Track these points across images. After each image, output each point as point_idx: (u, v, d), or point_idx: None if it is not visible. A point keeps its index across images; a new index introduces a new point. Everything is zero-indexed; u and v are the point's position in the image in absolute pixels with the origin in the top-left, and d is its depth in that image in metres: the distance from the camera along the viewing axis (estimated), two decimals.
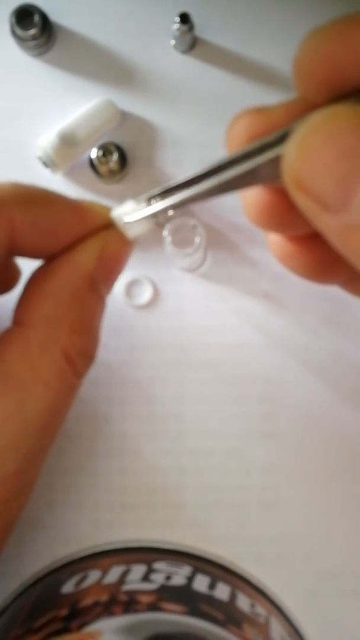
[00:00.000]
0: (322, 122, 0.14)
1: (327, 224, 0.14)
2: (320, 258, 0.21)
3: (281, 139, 0.16)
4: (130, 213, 0.20)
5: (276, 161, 0.16)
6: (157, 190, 0.20)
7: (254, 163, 0.16)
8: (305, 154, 0.14)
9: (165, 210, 0.20)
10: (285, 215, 0.20)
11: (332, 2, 0.27)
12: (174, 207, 0.20)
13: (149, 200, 0.20)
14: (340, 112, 0.14)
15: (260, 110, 0.18)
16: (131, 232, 0.21)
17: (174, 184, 0.20)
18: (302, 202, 0.15)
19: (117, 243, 0.21)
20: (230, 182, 0.17)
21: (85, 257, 0.20)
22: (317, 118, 0.14)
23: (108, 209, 0.21)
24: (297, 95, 0.17)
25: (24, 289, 0.21)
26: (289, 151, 0.14)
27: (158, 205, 0.20)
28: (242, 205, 0.21)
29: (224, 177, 0.18)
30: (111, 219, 0.21)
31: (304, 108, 0.17)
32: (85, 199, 0.27)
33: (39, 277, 0.21)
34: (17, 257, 0.21)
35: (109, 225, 0.21)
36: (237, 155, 0.18)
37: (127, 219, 0.21)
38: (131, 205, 0.20)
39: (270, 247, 0.23)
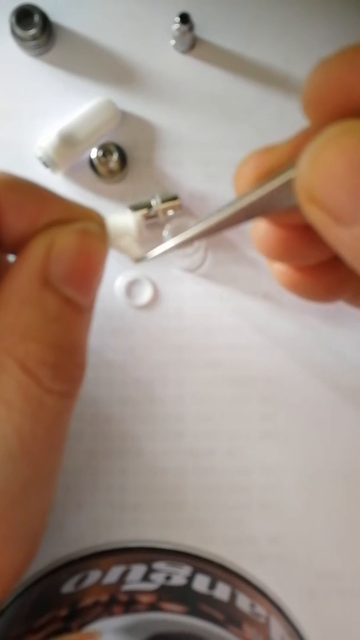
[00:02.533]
0: (335, 136, 0.14)
1: (339, 237, 0.14)
2: (327, 283, 0.21)
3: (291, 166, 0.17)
4: (126, 223, 0.20)
5: (288, 185, 0.16)
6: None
7: (266, 189, 0.16)
8: (318, 167, 0.14)
9: (177, 246, 0.19)
10: (295, 247, 0.20)
11: (332, 2, 0.27)
12: (187, 242, 0.19)
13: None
14: (353, 126, 0.14)
15: (267, 150, 0.18)
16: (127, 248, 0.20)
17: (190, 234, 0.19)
18: (315, 215, 0.15)
19: (74, 236, 0.18)
20: (243, 211, 0.17)
21: (31, 252, 0.18)
22: (330, 132, 0.14)
23: (97, 213, 0.20)
24: (306, 124, 0.17)
25: None
26: (302, 165, 0.14)
27: (169, 243, 0.19)
28: (251, 237, 0.21)
29: (237, 206, 0.17)
30: (94, 216, 0.19)
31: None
32: (85, 199, 0.27)
33: None
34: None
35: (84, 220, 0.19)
36: (247, 194, 0.18)
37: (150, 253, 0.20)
38: (127, 216, 0.20)
39: (275, 276, 0.23)
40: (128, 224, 0.20)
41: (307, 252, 0.20)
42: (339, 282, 0.21)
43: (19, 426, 0.18)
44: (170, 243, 0.19)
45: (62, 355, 0.18)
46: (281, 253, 0.20)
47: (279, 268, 0.22)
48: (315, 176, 0.14)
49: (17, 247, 0.18)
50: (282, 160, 0.18)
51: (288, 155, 0.18)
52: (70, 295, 0.18)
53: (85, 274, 0.19)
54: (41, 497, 0.20)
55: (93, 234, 0.19)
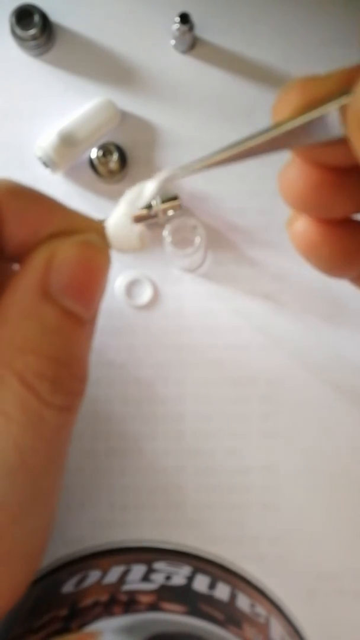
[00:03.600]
0: None
1: None
2: (344, 248, 0.20)
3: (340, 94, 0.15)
4: (122, 215, 0.19)
5: (336, 114, 0.15)
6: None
7: (313, 115, 0.15)
8: None
9: (203, 167, 0.18)
10: (325, 193, 0.19)
11: (331, 2, 0.27)
12: (215, 163, 0.18)
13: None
14: None
15: (315, 78, 0.17)
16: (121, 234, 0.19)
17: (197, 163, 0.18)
18: None
19: (75, 248, 0.18)
20: (283, 137, 0.16)
21: (32, 264, 0.18)
22: None
23: (99, 224, 0.19)
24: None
25: None
26: (357, 91, 0.13)
27: (194, 163, 0.18)
28: (279, 184, 0.20)
29: (278, 131, 0.16)
30: (96, 227, 0.19)
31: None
32: (85, 199, 0.27)
33: None
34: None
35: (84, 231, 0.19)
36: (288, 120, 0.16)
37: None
38: (122, 208, 0.19)
39: (292, 238, 0.21)
40: (131, 237, 0.19)
41: (337, 200, 0.18)
42: (356, 247, 0.20)
43: (18, 440, 0.17)
44: (197, 163, 0.18)
45: (62, 368, 0.18)
46: (309, 199, 0.19)
47: (298, 227, 0.21)
48: None
49: (20, 256, 0.18)
50: (332, 89, 0.16)
51: (339, 85, 0.16)
52: (71, 308, 0.18)
53: (86, 286, 0.18)
54: (41, 514, 0.20)
55: (94, 246, 0.18)
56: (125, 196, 0.19)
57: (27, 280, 0.18)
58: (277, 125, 0.16)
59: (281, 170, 0.19)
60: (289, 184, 0.19)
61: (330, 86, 0.16)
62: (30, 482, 0.18)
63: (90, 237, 0.18)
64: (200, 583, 0.22)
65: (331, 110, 0.15)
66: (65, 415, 0.19)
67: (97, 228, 0.19)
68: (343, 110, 0.14)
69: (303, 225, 0.21)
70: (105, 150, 0.26)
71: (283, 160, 0.28)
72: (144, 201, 0.19)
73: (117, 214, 0.19)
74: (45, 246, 0.18)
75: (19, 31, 0.26)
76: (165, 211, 0.26)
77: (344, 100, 0.15)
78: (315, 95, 0.16)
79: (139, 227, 0.19)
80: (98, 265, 0.18)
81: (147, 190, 0.19)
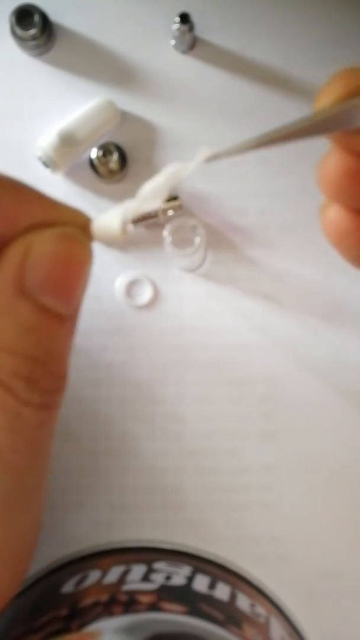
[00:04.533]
0: None
1: None
2: None
3: None
4: (111, 225, 0.18)
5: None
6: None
7: (352, 103, 0.15)
8: None
9: (241, 150, 0.18)
10: None
11: (332, 2, 0.27)
12: (254, 146, 0.18)
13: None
14: None
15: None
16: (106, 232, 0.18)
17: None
18: None
19: (52, 241, 0.17)
20: (324, 123, 0.16)
21: (6, 259, 0.17)
22: None
23: (82, 215, 0.18)
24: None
25: None
26: None
27: (234, 148, 0.18)
28: (317, 172, 0.20)
29: (321, 116, 0.16)
30: (78, 218, 0.18)
31: None
32: (85, 199, 0.27)
33: None
34: None
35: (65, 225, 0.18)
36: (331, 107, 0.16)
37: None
38: (114, 213, 0.18)
39: (324, 224, 0.21)
40: (112, 225, 0.18)
41: None
42: None
43: None
44: (235, 148, 0.18)
45: (38, 366, 0.18)
46: (345, 188, 0.19)
47: (331, 215, 0.21)
48: None
49: None
50: None
51: None
52: (48, 304, 0.17)
53: (64, 281, 0.17)
54: (26, 513, 0.19)
55: (73, 239, 0.17)
56: (164, 171, 0.18)
57: (1, 276, 0.17)
58: (320, 111, 0.16)
59: (320, 159, 0.19)
60: (326, 172, 0.19)
61: None
62: (12, 481, 0.18)
63: (69, 229, 0.18)
64: (200, 583, 0.22)
65: None
66: (45, 413, 0.18)
67: (79, 219, 0.18)
68: None
69: (335, 213, 0.20)
70: (105, 150, 0.26)
71: (283, 161, 0.28)
72: (180, 178, 0.18)
73: (152, 188, 0.19)
74: (22, 239, 0.17)
75: (19, 31, 0.26)
76: (165, 211, 0.26)
77: None
78: (358, 84, 0.16)
79: (121, 216, 0.18)
80: (77, 260, 0.18)
81: (185, 169, 0.18)
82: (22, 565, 0.20)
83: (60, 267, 0.17)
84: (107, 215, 0.18)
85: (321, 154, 0.28)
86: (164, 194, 0.19)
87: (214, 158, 0.19)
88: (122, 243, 0.19)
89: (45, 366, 0.18)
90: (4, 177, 0.17)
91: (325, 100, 0.17)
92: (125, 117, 0.27)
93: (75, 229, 0.18)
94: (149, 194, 0.19)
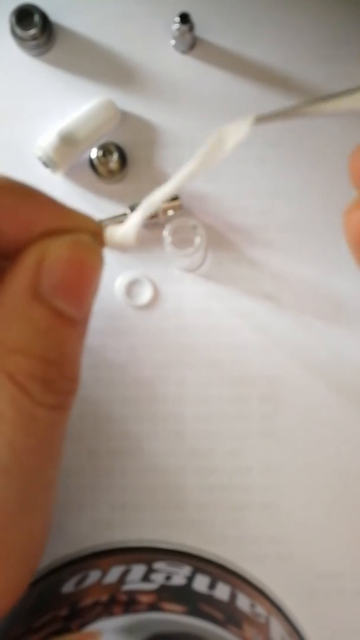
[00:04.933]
0: None
1: None
2: None
3: None
4: (126, 236, 0.19)
5: None
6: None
7: None
8: None
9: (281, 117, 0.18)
10: None
11: (332, 2, 0.27)
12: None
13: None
14: None
15: None
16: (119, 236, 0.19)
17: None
18: None
19: (66, 248, 0.18)
20: None
21: (22, 264, 0.18)
22: None
23: (95, 222, 0.19)
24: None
25: None
26: None
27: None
28: (349, 164, 0.19)
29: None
30: (91, 226, 0.19)
31: None
32: (85, 199, 0.27)
33: None
34: None
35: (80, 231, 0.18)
36: None
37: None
38: (130, 222, 0.19)
39: (347, 225, 0.20)
40: (127, 236, 0.19)
41: None
42: None
43: (12, 438, 0.18)
44: (292, 108, 0.18)
45: (52, 368, 0.18)
46: None
47: (355, 218, 0.21)
48: None
49: (12, 254, 0.18)
50: None
51: None
52: (62, 308, 0.18)
53: (77, 286, 0.18)
54: (38, 513, 0.20)
55: (86, 246, 0.18)
56: (206, 143, 0.18)
57: (17, 280, 0.18)
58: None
59: (356, 149, 0.19)
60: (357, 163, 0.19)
61: None
62: (25, 480, 0.18)
63: (82, 236, 0.18)
64: (200, 583, 0.22)
65: None
66: (58, 414, 0.19)
67: (91, 226, 0.19)
68: None
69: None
70: (105, 150, 0.26)
71: (283, 161, 0.28)
72: (227, 151, 0.18)
73: (190, 168, 0.18)
74: (37, 245, 0.18)
75: (19, 31, 0.26)
76: (165, 211, 0.26)
77: None
78: None
79: (136, 227, 0.19)
80: (89, 266, 0.18)
81: (231, 137, 0.18)
82: (32, 564, 0.20)
83: (74, 272, 0.18)
84: (124, 225, 0.19)
85: (321, 153, 0.28)
86: (197, 174, 0.18)
87: (261, 120, 0.18)
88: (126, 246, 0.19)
89: (60, 368, 0.18)
90: (19, 183, 0.18)
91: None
92: (125, 117, 0.27)
93: (88, 236, 0.18)
94: (186, 176, 0.18)
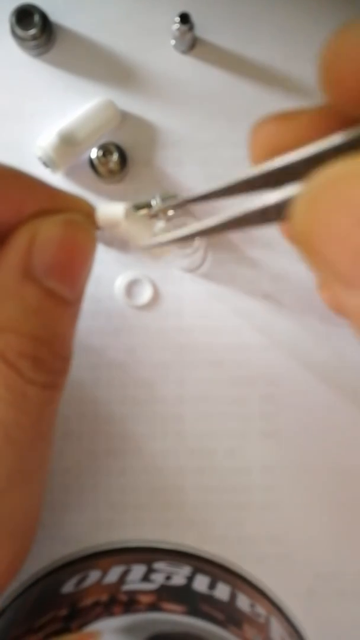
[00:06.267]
0: (336, 184, 0.12)
1: (342, 297, 0.13)
2: None
3: (304, 168, 0.15)
4: (115, 212, 0.19)
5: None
6: (164, 203, 0.19)
7: (265, 202, 0.15)
8: (315, 217, 0.12)
9: (178, 240, 0.19)
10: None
11: (331, 2, 0.27)
12: (186, 237, 0.18)
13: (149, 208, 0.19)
14: (357, 172, 0.11)
15: (285, 117, 0.17)
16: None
17: (187, 198, 0.19)
18: (315, 265, 0.13)
19: (58, 227, 0.18)
20: (240, 219, 0.16)
21: (13, 244, 0.18)
22: (330, 176, 0.12)
23: (86, 202, 0.19)
24: (322, 102, 0.16)
25: None
26: (299, 208, 0.12)
27: (178, 232, 0.18)
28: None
29: (233, 214, 0.16)
30: (83, 206, 0.19)
31: (332, 116, 0.16)
32: (85, 199, 0.27)
33: None
34: None
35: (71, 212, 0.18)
36: (255, 175, 0.17)
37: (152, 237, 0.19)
38: (119, 207, 0.19)
39: (325, 300, 0.22)
40: (117, 213, 0.19)
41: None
42: None
43: (2, 415, 0.18)
44: (171, 236, 0.19)
45: (43, 347, 0.18)
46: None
47: (327, 296, 0.21)
48: (313, 226, 0.12)
49: (3, 235, 0.18)
50: (300, 133, 0.16)
51: (305, 130, 0.16)
52: (54, 288, 0.18)
53: (68, 266, 0.18)
54: (29, 489, 0.20)
55: (78, 225, 0.18)
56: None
57: (9, 260, 0.18)
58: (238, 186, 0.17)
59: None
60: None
61: (299, 131, 0.17)
62: (15, 456, 0.19)
63: (74, 216, 0.18)
64: (200, 583, 0.22)
65: (285, 198, 0.14)
66: (49, 393, 0.19)
67: (83, 207, 0.19)
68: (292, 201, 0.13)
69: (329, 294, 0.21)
70: (105, 150, 0.26)
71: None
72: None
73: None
74: (28, 225, 0.18)
75: (19, 31, 0.26)
76: (165, 211, 0.26)
77: (295, 189, 0.14)
78: (284, 141, 0.17)
79: (126, 205, 0.19)
80: (81, 245, 0.18)
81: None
82: (25, 541, 0.20)
83: (65, 252, 0.18)
84: (113, 204, 0.19)
85: None
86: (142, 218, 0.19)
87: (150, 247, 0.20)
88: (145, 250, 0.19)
89: (50, 347, 0.19)
90: (7, 167, 0.18)
91: (256, 154, 0.18)
92: (125, 117, 0.27)
93: (80, 216, 0.18)
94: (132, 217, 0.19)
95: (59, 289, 0.18)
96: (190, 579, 0.22)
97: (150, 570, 0.23)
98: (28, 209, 0.18)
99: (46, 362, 0.19)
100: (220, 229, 0.17)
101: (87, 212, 0.19)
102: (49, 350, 0.19)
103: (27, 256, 0.18)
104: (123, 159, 0.26)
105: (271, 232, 0.27)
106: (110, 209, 0.19)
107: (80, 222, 0.18)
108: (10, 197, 0.18)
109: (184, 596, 0.21)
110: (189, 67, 0.27)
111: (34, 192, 0.18)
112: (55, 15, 0.27)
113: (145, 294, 0.26)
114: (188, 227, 0.18)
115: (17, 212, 0.18)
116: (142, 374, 0.26)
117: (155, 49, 0.27)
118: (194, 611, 0.20)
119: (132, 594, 0.21)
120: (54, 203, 0.18)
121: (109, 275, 0.26)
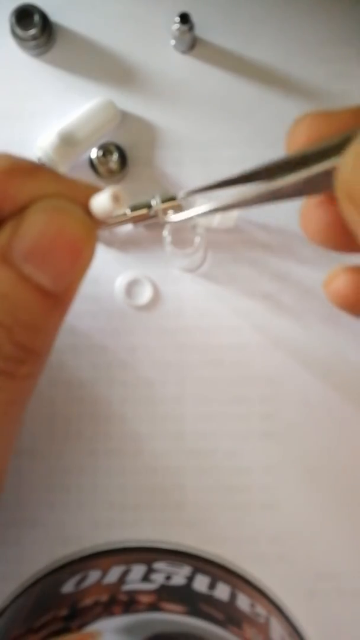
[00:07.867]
0: None
1: None
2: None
3: (340, 146, 0.16)
4: (103, 198, 0.18)
5: (332, 172, 0.15)
6: (196, 187, 0.19)
7: (307, 173, 0.15)
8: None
9: (206, 213, 0.18)
10: (345, 233, 0.19)
11: (331, 2, 0.27)
12: (216, 210, 0.18)
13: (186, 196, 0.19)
14: None
15: (325, 114, 0.17)
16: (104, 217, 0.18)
17: (217, 182, 0.19)
18: (352, 216, 0.14)
19: (43, 213, 0.17)
20: (281, 190, 0.16)
21: (3, 228, 0.17)
22: None
23: (88, 191, 0.18)
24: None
25: None
26: (345, 161, 0.14)
27: (201, 209, 0.18)
28: (300, 221, 0.20)
29: (274, 186, 0.16)
30: (81, 196, 0.18)
31: None
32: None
33: None
34: None
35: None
36: (291, 157, 0.17)
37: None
38: (106, 192, 0.18)
39: (329, 295, 0.22)
40: (104, 198, 0.18)
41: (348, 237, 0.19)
42: None
43: None
44: (200, 209, 0.18)
45: (1, 331, 0.17)
46: (331, 238, 0.19)
47: (334, 287, 0.21)
48: (356, 176, 0.13)
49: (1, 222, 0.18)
50: (338, 129, 0.17)
51: (344, 126, 0.17)
52: (31, 274, 0.17)
53: (49, 253, 0.17)
54: None
55: (67, 213, 0.17)
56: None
57: None
58: (269, 169, 0.17)
59: (302, 207, 0.20)
60: (306, 222, 0.20)
61: (338, 124, 0.17)
62: None
63: (62, 202, 0.17)
64: (200, 583, 0.22)
65: (325, 168, 0.15)
66: (6, 381, 0.18)
67: (80, 196, 0.18)
68: (334, 171, 0.15)
69: (339, 285, 0.21)
70: (105, 150, 0.26)
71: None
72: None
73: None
74: (25, 211, 0.17)
75: (19, 31, 0.26)
76: (165, 211, 0.26)
77: (335, 160, 0.15)
78: (322, 133, 0.17)
79: (114, 188, 0.18)
80: (69, 234, 0.17)
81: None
82: None
83: (48, 238, 0.17)
84: (103, 192, 0.18)
85: None
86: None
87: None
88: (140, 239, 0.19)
89: (9, 333, 0.18)
90: (3, 154, 0.17)
91: (293, 144, 0.18)
92: (125, 117, 0.27)
93: (69, 203, 0.17)
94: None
95: (37, 276, 0.17)
96: (190, 579, 0.22)
97: (150, 570, 0.23)
98: (24, 195, 0.17)
99: (3, 348, 0.17)
100: (254, 201, 0.17)
101: (84, 202, 0.18)
102: (6, 336, 0.17)
103: (9, 240, 0.17)
104: (123, 159, 0.26)
105: (271, 233, 0.27)
106: (98, 197, 0.18)
107: (68, 208, 0.17)
108: (9, 183, 0.17)
109: (184, 596, 0.21)
110: (189, 67, 0.27)
111: (35, 177, 0.17)
112: (55, 15, 0.27)
113: (145, 294, 0.26)
114: (225, 196, 0.18)
115: (16, 197, 0.17)
116: (142, 374, 0.26)
117: (155, 49, 0.27)
118: (194, 611, 0.20)
119: (132, 594, 0.21)
120: (53, 187, 0.18)
121: (109, 275, 0.26)
